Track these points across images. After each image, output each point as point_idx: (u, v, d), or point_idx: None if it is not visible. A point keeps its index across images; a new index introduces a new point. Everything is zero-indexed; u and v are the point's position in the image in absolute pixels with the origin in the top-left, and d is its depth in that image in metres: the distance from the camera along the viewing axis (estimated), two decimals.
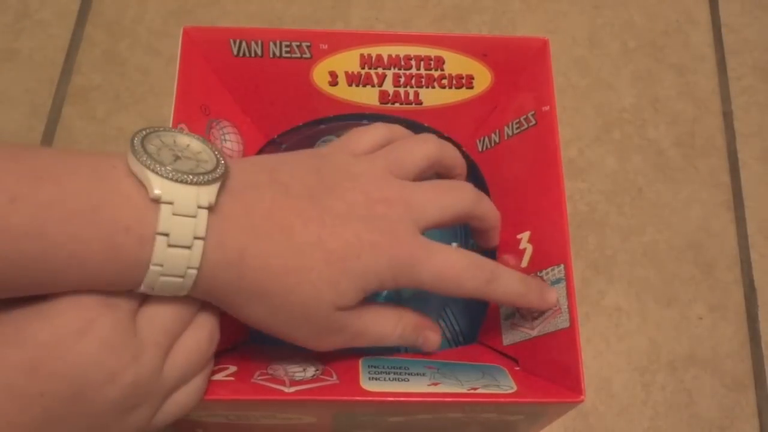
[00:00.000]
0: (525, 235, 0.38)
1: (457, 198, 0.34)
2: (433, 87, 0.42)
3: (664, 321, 0.52)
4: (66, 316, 0.26)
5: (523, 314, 0.37)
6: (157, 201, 0.27)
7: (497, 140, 0.42)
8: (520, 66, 0.42)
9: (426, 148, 0.35)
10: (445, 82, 0.42)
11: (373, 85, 0.42)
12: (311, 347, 0.32)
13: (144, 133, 0.28)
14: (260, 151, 0.43)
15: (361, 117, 0.43)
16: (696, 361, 0.51)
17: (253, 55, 0.41)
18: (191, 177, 0.27)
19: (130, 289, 0.28)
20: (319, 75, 0.42)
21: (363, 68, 0.42)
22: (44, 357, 0.26)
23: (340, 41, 0.41)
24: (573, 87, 0.60)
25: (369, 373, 0.34)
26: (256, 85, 0.42)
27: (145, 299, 0.29)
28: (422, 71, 0.42)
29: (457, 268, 0.33)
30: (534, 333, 0.36)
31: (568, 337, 0.34)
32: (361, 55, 0.42)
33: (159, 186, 0.27)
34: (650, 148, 0.58)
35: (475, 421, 0.36)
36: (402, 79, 0.42)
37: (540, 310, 0.36)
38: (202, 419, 0.36)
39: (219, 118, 0.41)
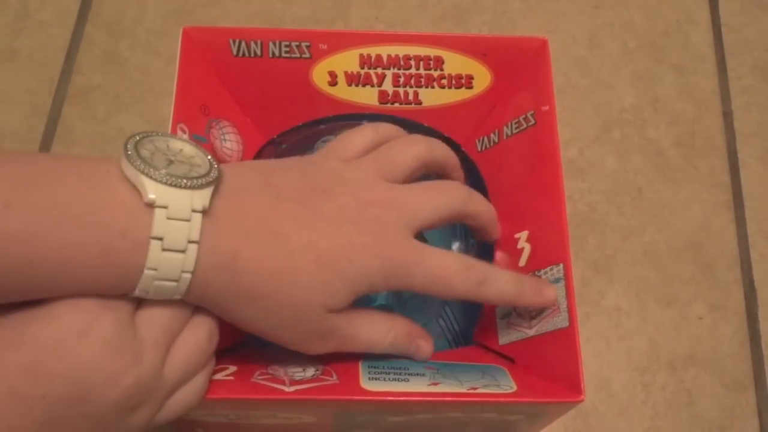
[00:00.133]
0: (523, 235, 0.38)
1: (447, 198, 0.34)
2: (433, 87, 0.42)
3: (664, 321, 0.52)
4: (66, 318, 0.26)
5: (520, 313, 0.37)
6: (151, 205, 0.27)
7: (496, 140, 0.42)
8: (519, 66, 0.42)
9: (415, 149, 0.35)
10: (444, 82, 0.42)
11: (372, 85, 0.42)
12: (302, 351, 0.33)
13: (137, 138, 0.28)
14: (260, 151, 0.43)
15: (361, 117, 0.43)
16: (696, 361, 0.51)
17: (252, 55, 0.41)
18: (185, 181, 0.27)
19: (124, 293, 0.28)
20: (319, 75, 0.42)
21: (362, 68, 0.42)
22: (45, 359, 0.26)
23: (339, 41, 0.41)
24: (573, 87, 0.60)
25: (369, 373, 0.34)
26: (256, 85, 0.42)
27: (142, 300, 0.29)
28: (422, 71, 0.42)
29: (448, 271, 0.33)
30: (531, 332, 0.36)
31: (567, 337, 0.34)
32: (361, 55, 0.42)
33: (153, 190, 0.27)
34: (650, 148, 0.58)
35: (475, 421, 0.36)
36: (401, 79, 0.42)
37: (540, 307, 0.36)
38: (202, 419, 0.36)
39: (219, 118, 0.41)
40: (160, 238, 0.27)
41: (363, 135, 0.36)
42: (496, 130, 0.42)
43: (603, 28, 0.62)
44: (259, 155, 0.43)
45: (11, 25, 0.60)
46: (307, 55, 0.41)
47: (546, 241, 0.37)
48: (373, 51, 0.42)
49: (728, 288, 0.53)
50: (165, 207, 0.27)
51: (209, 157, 0.30)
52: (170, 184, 0.27)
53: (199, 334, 0.30)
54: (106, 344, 0.26)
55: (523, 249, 0.38)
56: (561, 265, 0.35)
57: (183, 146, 0.30)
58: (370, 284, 0.31)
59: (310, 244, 0.30)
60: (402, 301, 0.41)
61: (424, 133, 0.38)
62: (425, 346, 0.35)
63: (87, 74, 0.58)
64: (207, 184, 0.28)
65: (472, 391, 0.33)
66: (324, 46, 0.41)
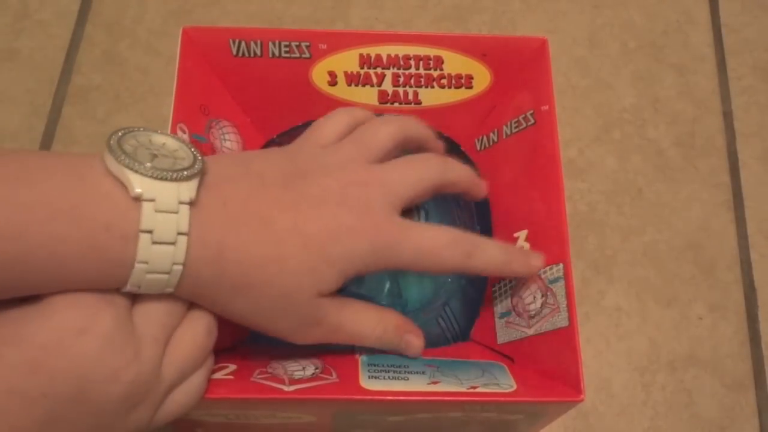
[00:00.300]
0: (522, 234, 0.38)
1: (424, 171, 0.34)
2: (433, 87, 0.42)
3: (664, 321, 0.52)
4: (64, 314, 0.26)
5: (519, 312, 0.37)
6: (138, 199, 0.27)
7: (496, 139, 0.42)
8: (519, 66, 0.42)
9: (389, 128, 0.36)
10: (444, 81, 0.42)
11: (372, 85, 0.42)
12: (292, 340, 0.32)
13: (120, 134, 0.28)
14: None
15: None
16: (696, 361, 0.51)
17: (252, 55, 0.41)
18: (171, 173, 0.27)
19: (115, 288, 0.28)
20: (319, 75, 0.42)
21: (362, 68, 0.42)
22: (45, 357, 0.26)
23: (339, 41, 0.41)
24: (573, 87, 0.60)
25: (369, 371, 0.34)
26: (256, 85, 0.42)
27: (137, 295, 0.29)
28: (421, 71, 0.42)
29: (436, 244, 0.33)
30: (531, 332, 0.36)
31: (567, 336, 0.34)
32: (360, 55, 0.42)
33: (139, 184, 0.27)
34: (650, 148, 0.58)
35: (474, 421, 0.36)
36: (401, 79, 0.42)
37: (526, 276, 0.36)
38: (201, 418, 0.36)
39: (218, 117, 0.41)
40: (150, 231, 0.27)
41: (338, 120, 0.36)
42: (496, 130, 0.42)
43: (603, 28, 0.62)
44: None
45: (11, 25, 0.60)
46: (307, 55, 0.41)
47: (546, 241, 0.37)
48: (372, 51, 0.42)
49: (728, 288, 0.53)
50: (152, 200, 0.27)
51: (193, 149, 0.30)
52: (156, 178, 0.27)
53: (197, 329, 0.30)
54: (105, 340, 0.26)
55: (522, 248, 0.38)
56: (561, 265, 0.35)
57: (166, 140, 0.30)
58: (360, 265, 0.32)
59: (296, 227, 0.30)
60: (402, 301, 0.41)
61: None
62: (415, 341, 0.35)
63: (87, 74, 0.58)
64: (192, 176, 0.28)
65: (471, 390, 0.33)
66: (324, 46, 0.41)
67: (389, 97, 0.43)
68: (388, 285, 0.41)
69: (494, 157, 0.42)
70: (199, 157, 0.29)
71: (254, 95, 0.42)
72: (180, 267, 0.28)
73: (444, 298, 0.42)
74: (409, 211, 0.42)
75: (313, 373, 0.33)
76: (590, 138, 0.58)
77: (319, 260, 0.30)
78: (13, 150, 0.28)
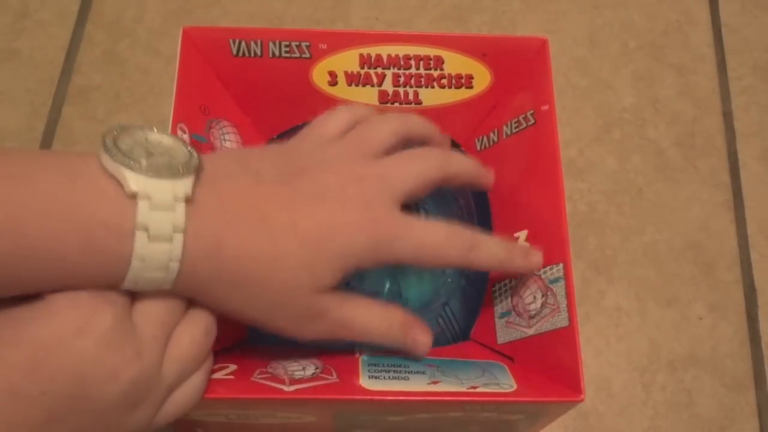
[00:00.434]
0: (522, 234, 0.38)
1: (424, 164, 0.34)
2: (433, 87, 0.42)
3: (664, 321, 0.52)
4: (64, 314, 0.26)
5: (519, 312, 0.37)
6: (134, 197, 0.27)
7: (496, 139, 0.42)
8: (519, 66, 0.42)
9: (391, 124, 0.35)
10: (444, 81, 0.42)
11: (372, 85, 0.42)
12: (293, 336, 0.32)
13: (115, 132, 0.28)
14: None
15: None
16: (696, 361, 0.51)
17: (252, 55, 0.41)
18: (166, 171, 0.27)
19: (113, 286, 0.28)
20: (319, 75, 0.42)
21: (362, 68, 0.42)
22: (45, 356, 0.26)
23: (339, 41, 0.41)
24: (573, 87, 0.60)
25: (369, 371, 0.34)
26: (256, 85, 0.42)
27: (136, 294, 0.29)
28: (422, 71, 0.42)
29: (437, 239, 0.33)
30: (531, 332, 0.36)
31: (567, 336, 0.34)
32: (361, 55, 0.42)
33: (135, 182, 0.27)
34: (650, 148, 0.58)
35: (475, 421, 0.36)
36: (401, 79, 0.42)
37: (526, 272, 0.36)
38: (201, 418, 0.36)
39: (218, 117, 0.41)
40: (146, 229, 0.27)
41: (339, 117, 0.36)
42: (496, 130, 0.42)
43: (603, 28, 0.62)
44: None
45: (11, 25, 0.60)
46: (307, 55, 0.41)
47: (546, 241, 0.37)
48: (373, 51, 0.42)
49: (728, 288, 0.53)
50: (148, 197, 0.27)
51: (189, 147, 0.30)
52: (152, 175, 0.27)
53: (196, 329, 0.30)
54: (105, 340, 0.26)
55: None
56: (561, 265, 0.35)
57: (161, 138, 0.30)
58: (358, 261, 0.31)
59: (293, 225, 0.30)
60: (402, 301, 0.41)
61: None
62: (423, 338, 0.35)
63: (87, 74, 0.58)
64: (188, 173, 0.28)
65: (472, 390, 0.33)
66: (324, 46, 0.41)
67: (389, 97, 0.43)
68: (388, 285, 0.41)
69: (494, 157, 0.42)
70: (195, 155, 0.29)
71: (254, 95, 0.42)
72: (177, 264, 0.28)
73: (444, 298, 0.42)
74: (409, 210, 0.42)
75: (314, 373, 0.33)
76: (590, 138, 0.58)
77: (317, 256, 0.30)
78: (11, 148, 0.28)
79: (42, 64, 0.58)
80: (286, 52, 0.41)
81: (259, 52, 0.41)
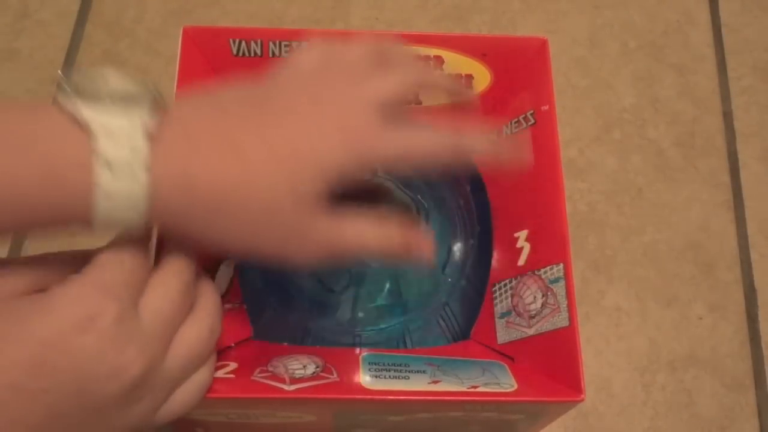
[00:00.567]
0: (522, 234, 0.38)
1: (402, 72, 0.33)
2: None
3: (664, 321, 0.52)
4: (67, 310, 0.26)
5: (520, 312, 0.37)
6: (92, 131, 0.26)
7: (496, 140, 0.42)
8: (519, 66, 0.42)
9: (365, 47, 0.34)
10: None
11: None
12: (289, 261, 0.31)
13: (74, 75, 0.28)
14: None
15: None
16: (696, 361, 0.51)
17: (252, 54, 0.41)
18: (126, 107, 0.27)
19: (86, 226, 0.27)
20: None
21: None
22: (46, 353, 0.26)
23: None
24: (573, 87, 0.60)
25: (369, 370, 0.34)
26: None
27: (144, 290, 0.29)
28: None
29: (421, 138, 0.31)
30: (531, 332, 0.36)
31: (567, 336, 0.34)
32: None
33: (93, 117, 0.26)
34: (650, 148, 0.58)
35: (475, 420, 0.36)
36: None
37: (515, 166, 0.35)
38: (201, 418, 0.36)
39: None
40: (108, 165, 0.26)
41: (313, 48, 0.34)
42: (496, 130, 0.42)
43: (603, 28, 0.62)
44: None
45: (11, 25, 0.60)
46: None
47: (546, 241, 0.37)
48: None
49: (728, 288, 0.53)
50: (108, 133, 0.26)
51: (148, 83, 0.29)
52: (111, 111, 0.27)
53: (202, 326, 0.30)
54: (108, 338, 0.26)
55: (522, 248, 0.38)
56: (561, 265, 0.35)
57: (118, 76, 0.29)
58: (339, 171, 0.30)
59: (264, 144, 0.29)
60: (402, 301, 0.41)
61: None
62: (425, 248, 0.33)
63: None
64: (146, 104, 0.28)
65: (472, 389, 0.33)
66: None
67: None
68: (388, 285, 0.41)
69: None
70: (153, 89, 0.29)
71: None
72: (146, 202, 0.27)
73: (444, 298, 0.42)
74: (408, 211, 0.42)
75: (314, 372, 0.33)
76: (590, 138, 0.58)
77: (294, 171, 0.29)
78: None
79: (42, 64, 0.58)
80: (286, 51, 0.41)
81: (259, 52, 0.41)
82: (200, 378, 0.30)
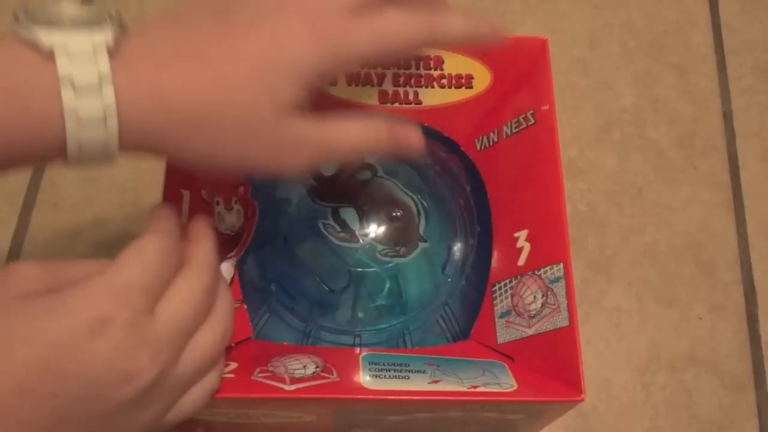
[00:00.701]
0: (522, 234, 0.38)
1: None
2: (433, 87, 0.42)
3: (664, 321, 0.52)
4: (79, 313, 0.26)
5: (520, 312, 0.37)
6: (51, 51, 0.26)
7: (496, 139, 0.42)
8: (519, 65, 0.42)
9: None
10: (444, 81, 0.42)
11: (372, 85, 0.42)
12: (278, 167, 0.30)
13: (27, 7, 0.28)
14: None
15: None
16: (696, 361, 0.51)
17: None
18: (83, 24, 0.27)
19: (59, 153, 0.27)
20: None
21: (362, 68, 0.42)
22: (55, 357, 0.25)
23: None
24: (573, 87, 0.60)
25: (369, 370, 0.34)
26: None
27: (163, 296, 0.28)
28: (421, 71, 0.42)
29: (394, 24, 0.31)
30: (531, 332, 0.36)
31: (567, 336, 0.34)
32: None
33: (49, 38, 0.26)
34: (650, 148, 0.58)
35: (475, 420, 0.36)
36: (401, 79, 0.42)
37: (494, 41, 0.34)
38: (202, 418, 0.36)
39: None
40: (70, 79, 0.26)
41: None
42: (496, 130, 0.42)
43: (603, 28, 0.62)
44: None
45: (11, 25, 0.60)
46: None
47: (546, 241, 0.37)
48: None
49: (728, 288, 0.53)
50: (66, 51, 0.26)
51: (108, 8, 0.29)
52: (67, 30, 0.27)
53: (216, 331, 0.30)
54: (118, 344, 0.26)
55: (522, 248, 0.38)
56: (561, 265, 0.35)
57: (74, 3, 0.28)
58: (317, 71, 0.29)
59: (235, 52, 0.29)
60: (402, 301, 0.41)
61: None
62: (414, 136, 0.33)
63: None
64: (106, 25, 0.27)
65: (472, 389, 0.33)
66: None
67: (389, 97, 0.42)
68: (388, 285, 0.41)
69: (494, 157, 0.42)
70: (112, 11, 0.28)
71: None
72: (114, 119, 0.27)
73: (444, 298, 0.42)
74: (409, 212, 0.42)
75: (314, 372, 0.33)
76: (590, 138, 0.58)
77: (268, 76, 0.29)
78: None
79: None
80: None
81: None
82: (210, 381, 0.30)
